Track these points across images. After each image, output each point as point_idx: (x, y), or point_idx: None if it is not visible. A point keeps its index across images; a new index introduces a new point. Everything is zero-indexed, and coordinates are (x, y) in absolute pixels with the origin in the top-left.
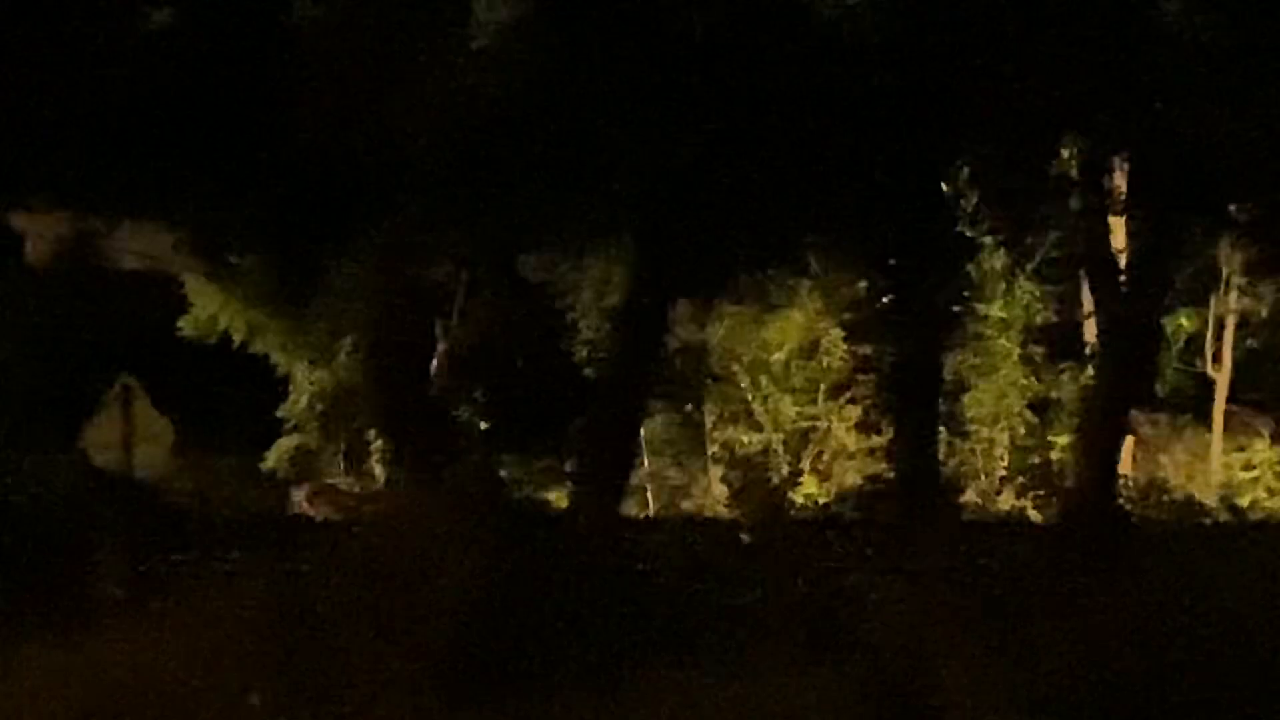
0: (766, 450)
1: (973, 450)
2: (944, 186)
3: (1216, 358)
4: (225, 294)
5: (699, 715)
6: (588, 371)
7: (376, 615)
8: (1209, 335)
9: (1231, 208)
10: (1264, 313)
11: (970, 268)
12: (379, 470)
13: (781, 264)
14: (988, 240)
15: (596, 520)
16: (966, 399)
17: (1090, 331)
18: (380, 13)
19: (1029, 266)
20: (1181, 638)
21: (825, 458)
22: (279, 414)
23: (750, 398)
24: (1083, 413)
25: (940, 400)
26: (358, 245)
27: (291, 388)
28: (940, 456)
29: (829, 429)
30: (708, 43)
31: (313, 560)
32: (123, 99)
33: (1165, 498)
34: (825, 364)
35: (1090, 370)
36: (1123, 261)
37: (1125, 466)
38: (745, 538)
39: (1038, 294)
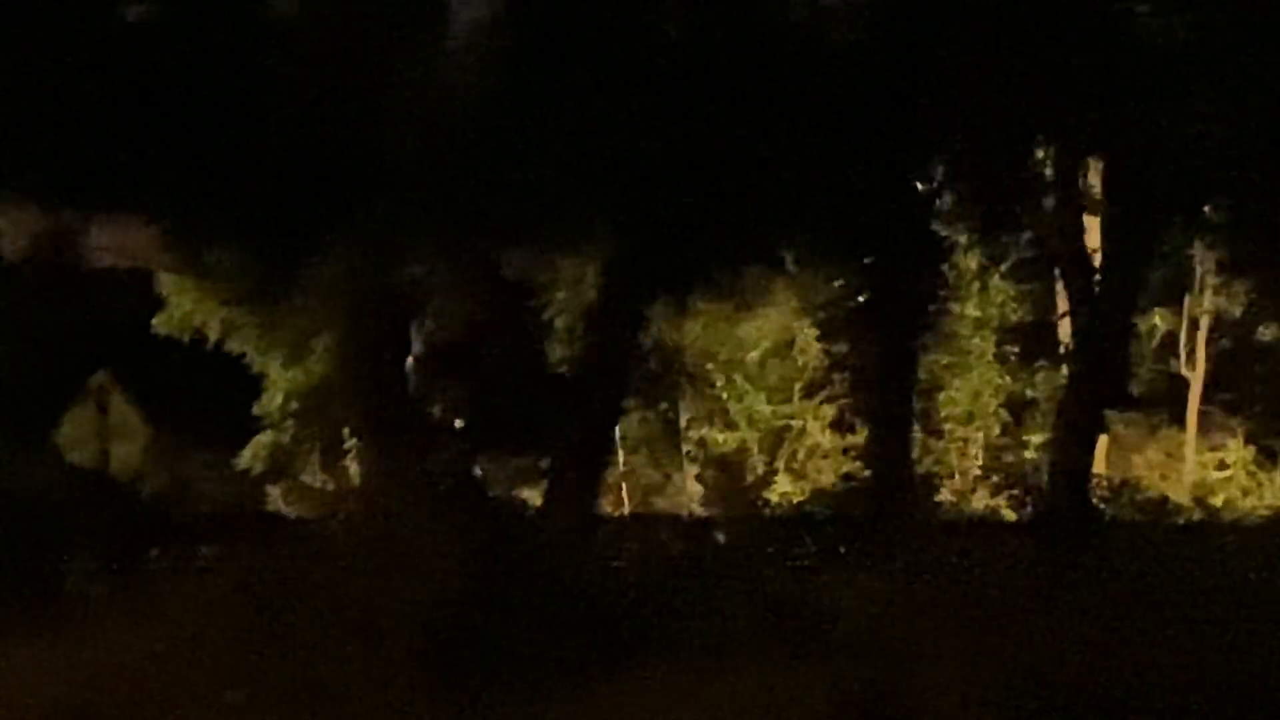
0: (741, 449)
1: (947, 449)
2: (919, 185)
3: (1190, 357)
4: (200, 291)
5: (673, 714)
6: (563, 370)
7: (351, 613)
8: (1183, 335)
9: (1206, 207)
10: (1238, 312)
11: (945, 266)
12: (354, 468)
13: (757, 262)
14: (962, 239)
15: (571, 519)
16: (941, 398)
17: (1065, 331)
18: (357, 9)
19: (1004, 265)
20: (1154, 637)
21: (800, 456)
22: (254, 411)
23: (725, 396)
24: (1057, 412)
25: (915, 399)
26: (333, 242)
27: (266, 385)
28: (915, 455)
29: (804, 428)
30: (684, 41)
31: (287, 558)
32: (98, 94)
33: (1139, 497)
34: (800, 363)
35: (1064, 369)
36: (1097, 261)
37: (1099, 466)
38: (720, 536)
39: (1012, 293)
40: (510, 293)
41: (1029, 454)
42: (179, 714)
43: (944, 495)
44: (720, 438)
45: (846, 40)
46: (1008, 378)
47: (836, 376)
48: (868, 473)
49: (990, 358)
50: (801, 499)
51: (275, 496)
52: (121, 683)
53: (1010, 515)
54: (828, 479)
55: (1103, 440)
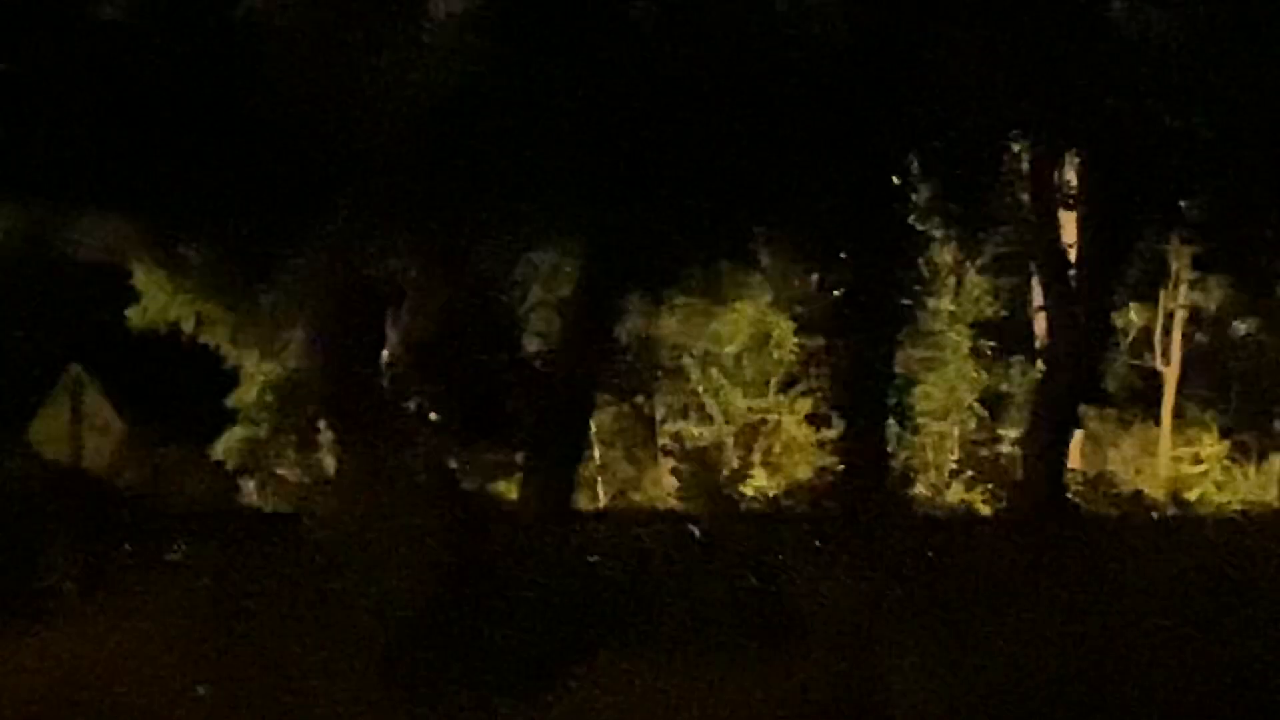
0: (717, 443)
1: (922, 443)
2: (895, 180)
3: (1165, 353)
4: (175, 285)
5: (648, 708)
6: (539, 364)
7: (326, 607)
8: (1158, 330)
9: (1181, 204)
10: (1213, 308)
11: (921, 262)
12: (328, 461)
13: (732, 257)
14: (939, 234)
15: (546, 512)
16: (917, 392)
17: (1040, 326)
18: (334, 5)
19: (980, 261)
20: (1129, 631)
21: (775, 450)
22: (228, 405)
23: (701, 390)
24: (1032, 407)
25: (890, 394)
26: (308, 236)
27: (241, 379)
28: (890, 450)
29: (779, 422)
30: (661, 37)
31: (262, 551)
32: (74, 90)
33: (1113, 491)
34: (776, 357)
35: (1040, 364)
36: (1073, 256)
37: (1074, 460)
38: (695, 530)
39: (988, 288)
40: (485, 286)
41: (1004, 448)
42: (153, 709)
43: (919, 489)
44: (696, 432)
45: (824, 36)
46: (983, 372)
47: (812, 371)
48: (843, 467)
49: (966, 352)
50: (777, 493)
51: (249, 490)
52: (95, 678)
53: (985, 509)
54: (803, 473)
55: (1078, 435)
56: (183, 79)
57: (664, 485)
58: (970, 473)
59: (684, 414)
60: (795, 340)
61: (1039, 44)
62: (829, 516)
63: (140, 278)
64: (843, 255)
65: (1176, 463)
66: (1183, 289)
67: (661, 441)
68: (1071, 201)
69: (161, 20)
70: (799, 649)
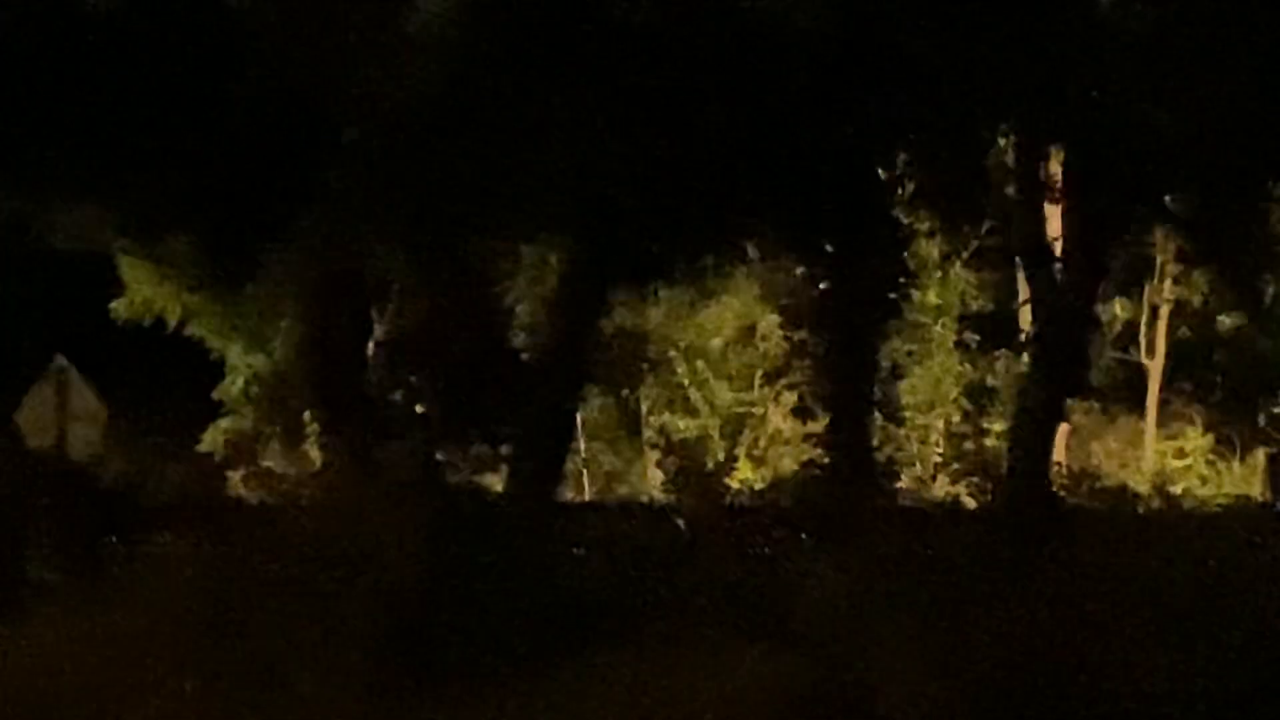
0: (703, 436)
1: (908, 437)
2: (880, 173)
3: (1150, 346)
4: (160, 276)
5: (633, 701)
6: (525, 357)
7: (311, 599)
8: (1143, 324)
9: (1166, 197)
10: (1197, 301)
11: (906, 254)
12: (315, 454)
13: (718, 250)
14: (923, 227)
15: (532, 505)
16: (902, 385)
17: (1025, 319)
18: None
19: (965, 254)
20: (1113, 624)
21: (761, 443)
22: (214, 397)
23: (686, 383)
24: (1017, 400)
25: (876, 386)
26: (295, 229)
27: (227, 371)
28: (876, 443)
29: (765, 415)
30: (645, 30)
31: (248, 544)
32: (58, 79)
33: (1098, 485)
34: (761, 350)
35: (1025, 358)
36: (1058, 249)
37: (1059, 454)
38: (681, 523)
39: (973, 281)
40: (471, 279)
41: (989, 442)
42: (138, 700)
43: (905, 483)
44: (682, 425)
45: (809, 28)
46: (969, 366)
47: (797, 364)
48: (828, 460)
49: (951, 346)
50: (762, 486)
51: (235, 482)
52: (80, 669)
53: (970, 503)
54: (789, 466)
55: (1063, 428)
56: (169, 70)
57: (650, 478)
58: (956, 466)
59: (670, 407)
60: (781, 333)
61: (1024, 37)
62: (815, 510)
63: (125, 269)
64: (828, 248)
65: (1161, 456)
66: (1168, 283)
67: (647, 434)
68: (1057, 195)
69: (148, 11)
70: (784, 642)
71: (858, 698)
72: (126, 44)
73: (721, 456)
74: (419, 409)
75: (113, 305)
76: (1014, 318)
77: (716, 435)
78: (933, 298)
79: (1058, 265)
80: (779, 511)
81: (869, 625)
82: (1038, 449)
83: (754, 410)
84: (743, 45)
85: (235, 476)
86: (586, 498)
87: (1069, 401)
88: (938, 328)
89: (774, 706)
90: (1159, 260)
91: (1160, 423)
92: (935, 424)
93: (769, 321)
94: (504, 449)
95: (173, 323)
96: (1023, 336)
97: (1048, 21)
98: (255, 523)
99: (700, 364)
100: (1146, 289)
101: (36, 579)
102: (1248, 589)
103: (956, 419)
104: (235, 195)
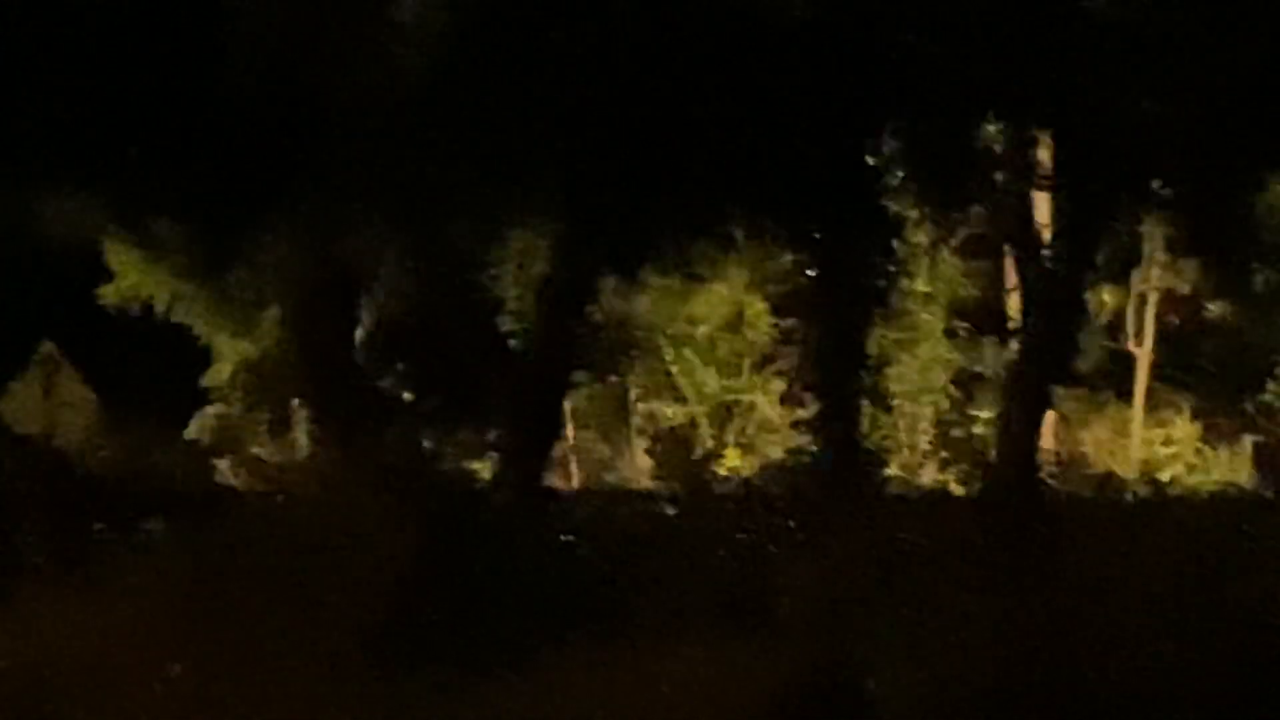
0: (691, 423)
1: (896, 424)
2: (870, 161)
3: (1138, 334)
4: (148, 263)
5: (622, 688)
6: (513, 343)
7: (299, 587)
8: (1131, 311)
9: (1154, 184)
10: (1186, 289)
11: (895, 242)
12: (303, 441)
13: (706, 236)
14: (912, 214)
15: (520, 493)
16: (890, 373)
17: (1014, 306)
18: None
19: (953, 241)
20: (1101, 611)
21: (749, 431)
22: (202, 384)
23: (675, 370)
24: (1005, 388)
25: (864, 374)
26: (282, 216)
27: (215, 358)
28: (864, 430)
29: (753, 402)
30: (635, 15)
31: (235, 531)
32: (46, 65)
33: (1086, 473)
34: (750, 337)
35: (1013, 345)
36: (1046, 237)
37: (1047, 442)
38: (669, 510)
39: (962, 269)
40: (459, 266)
41: (977, 429)
42: (127, 688)
43: (893, 470)
44: (670, 412)
45: (799, 14)
46: (957, 353)
47: (786, 351)
48: (817, 447)
49: (939, 333)
50: (750, 473)
51: (224, 469)
52: (68, 656)
53: (958, 490)
54: (777, 453)
55: (1051, 416)
56: (157, 57)
57: (638, 465)
58: (944, 453)
59: (658, 394)
60: (769, 320)
61: (1013, 24)
62: (802, 497)
63: (113, 256)
64: (817, 236)
65: (1149, 444)
66: (1156, 270)
67: (636, 421)
68: (1045, 182)
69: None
70: (772, 629)
71: (846, 684)
72: (114, 31)
73: (710, 444)
74: (407, 396)
75: (100, 292)
76: (1002, 305)
77: (705, 422)
78: (921, 285)
79: (1046, 253)
80: (767, 498)
81: (857, 612)
82: (1026, 437)
83: (742, 397)
84: (731, 30)
85: (223, 464)
86: (574, 485)
87: (1057, 389)
88: (926, 315)
89: (762, 692)
90: (1147, 248)
91: (1148, 410)
92: (923, 411)
93: (757, 309)
94: (492, 436)
95: (160, 310)
96: (1011, 324)
97: (1037, 8)
98: (243, 510)
99: (688, 351)
100: (1135, 277)
101: (24, 566)
102: (1235, 576)
103: (945, 407)
104: (223, 182)
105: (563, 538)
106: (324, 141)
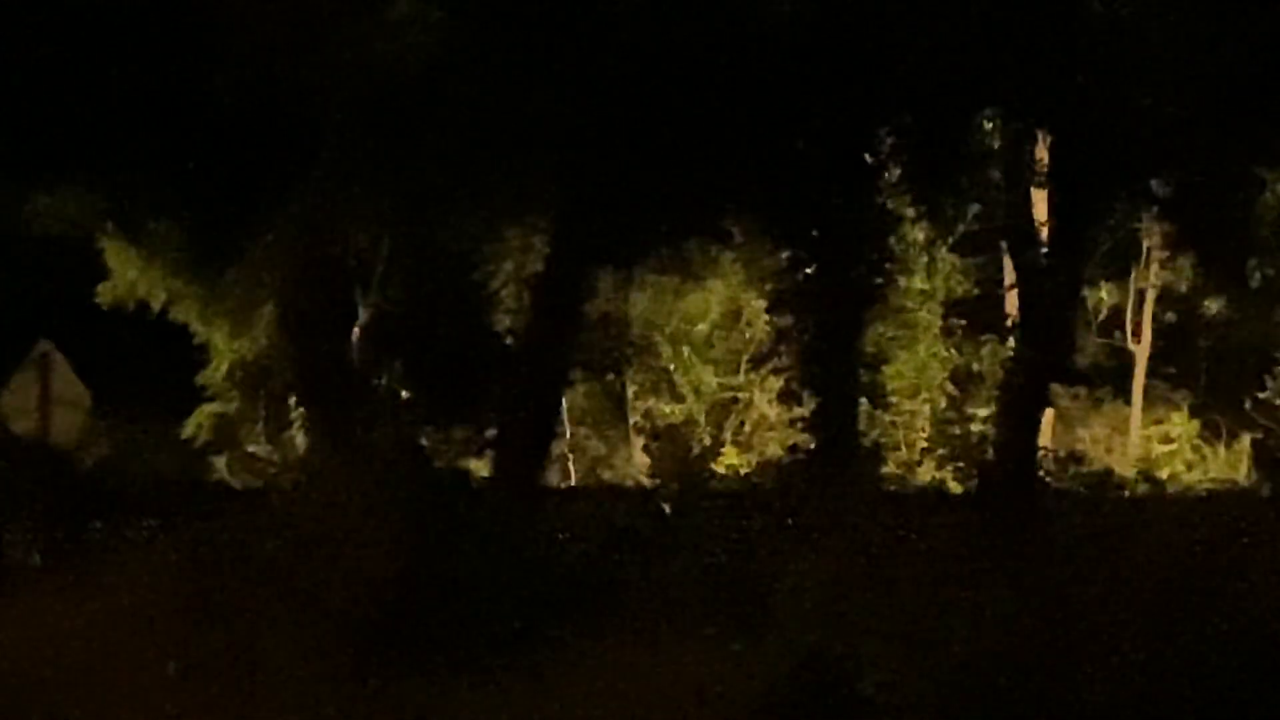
0: (688, 420)
1: (893, 422)
2: (867, 158)
3: (1136, 331)
4: (144, 261)
5: (618, 684)
6: (509, 341)
7: (295, 583)
8: (1129, 309)
9: (1152, 182)
10: (1183, 287)
11: (892, 240)
12: (299, 438)
13: (703, 234)
14: (909, 212)
15: (517, 490)
16: (887, 371)
17: (1011, 304)
18: None
19: (950, 239)
20: (1098, 608)
21: (746, 428)
22: (198, 382)
23: (672, 368)
24: (1003, 385)
25: (861, 372)
26: (278, 213)
27: (211, 355)
28: (861, 428)
29: (750, 400)
30: (631, 13)
31: (232, 528)
32: (41, 66)
33: (1084, 470)
34: (747, 335)
35: (1011, 343)
36: (1044, 234)
37: (1045, 439)
38: (666, 507)
39: (959, 266)
40: (455, 263)
41: (975, 427)
42: (121, 684)
43: (890, 467)
44: (667, 409)
45: (795, 12)
46: (954, 351)
47: (783, 349)
48: (814, 445)
49: (937, 331)
50: (748, 470)
51: (220, 466)
52: (63, 652)
53: (956, 487)
54: (774, 451)
55: (1048, 414)
56: (152, 57)
57: (635, 463)
58: (941, 451)
59: (655, 391)
60: (766, 318)
61: (1009, 21)
62: (800, 494)
63: (110, 254)
64: (814, 233)
65: (1147, 441)
66: (1153, 268)
67: (633, 419)
68: (1042, 179)
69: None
70: (769, 626)
71: (842, 681)
72: (110, 31)
73: (707, 441)
74: (403, 393)
75: (97, 290)
76: (1000, 303)
77: (702, 420)
78: (918, 283)
79: (1043, 250)
80: (764, 496)
81: (854, 609)
82: (1023, 434)
83: (739, 395)
84: (728, 28)
85: (219, 461)
86: (572, 482)
87: (1054, 387)
88: (923, 313)
89: (758, 689)
90: (1145, 245)
91: (1146, 408)
92: (921, 409)
93: (754, 306)
94: (489, 433)
95: (157, 308)
96: (1008, 321)
97: (1033, 6)
98: (239, 507)
99: (685, 349)
100: (1132, 274)
101: (20, 563)
102: (1233, 573)
103: (942, 404)
104: (219, 180)
105: (559, 535)
106: (320, 141)
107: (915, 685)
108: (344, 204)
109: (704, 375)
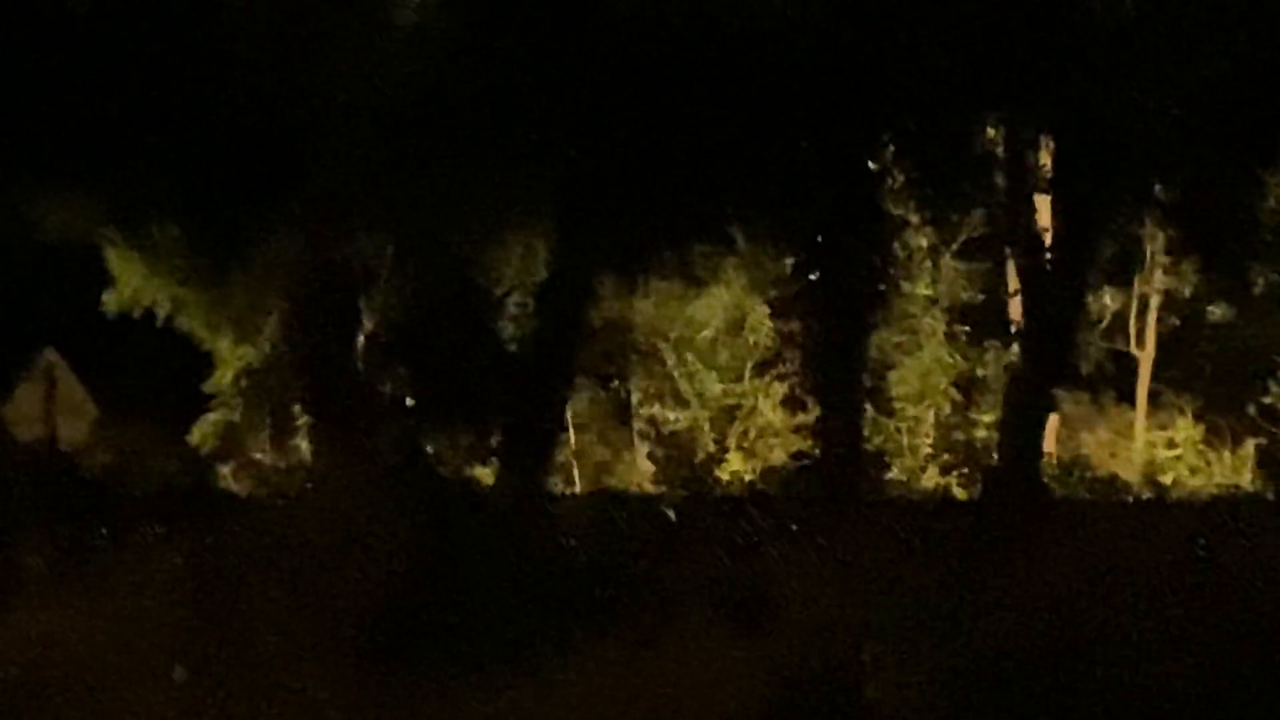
0: (692, 427)
1: (898, 428)
2: (870, 164)
3: (1140, 336)
4: (149, 269)
5: (622, 690)
6: (513, 348)
7: (300, 590)
8: (1132, 314)
9: (1156, 187)
10: (1187, 292)
11: (896, 245)
12: (304, 446)
13: (707, 240)
14: (913, 218)
15: (522, 496)
16: (892, 377)
17: (1015, 310)
18: None
19: (954, 244)
20: (1103, 613)
21: (751, 434)
22: (204, 389)
23: (676, 374)
24: (1007, 391)
25: (865, 378)
26: (283, 221)
27: (216, 363)
28: (865, 434)
29: (755, 406)
30: (634, 20)
31: (236, 535)
32: (45, 71)
33: (1088, 475)
34: (751, 341)
35: (1015, 348)
36: (1048, 240)
37: (1049, 444)
38: (671, 514)
39: (963, 272)
40: (460, 270)
41: (979, 432)
42: (127, 690)
43: (894, 474)
44: (671, 415)
45: (798, 19)
46: (958, 356)
47: (787, 354)
48: (818, 451)
49: (941, 336)
50: (752, 477)
51: (225, 474)
52: (69, 658)
53: (960, 494)
54: (778, 457)
55: (1053, 419)
56: (156, 62)
57: (640, 469)
58: (945, 457)
59: (659, 398)
60: (771, 324)
61: (1013, 26)
62: (804, 500)
63: (114, 262)
64: (818, 239)
65: (1151, 446)
66: (1157, 273)
67: (637, 425)
68: (1046, 185)
69: (135, 4)
70: (774, 632)
71: (847, 686)
72: (114, 37)
73: (711, 448)
74: (408, 400)
75: (102, 298)
76: (1004, 308)
77: (706, 426)
78: (922, 288)
79: (1047, 255)
80: (768, 502)
81: (859, 615)
82: (1028, 440)
83: (744, 401)
84: (731, 34)
85: (225, 469)
86: (576, 489)
87: (1059, 392)
88: (927, 319)
89: (763, 694)
90: (1148, 250)
91: (1150, 413)
92: (925, 415)
93: (759, 312)
94: (493, 440)
95: (162, 315)
96: (1013, 327)
97: (1036, 12)
98: (244, 515)
99: (690, 355)
100: (1136, 279)
101: (25, 569)
102: (1238, 578)
103: (946, 410)
104: (224, 187)
105: (564, 541)
106: (324, 146)
107: (919, 691)
108: (349, 211)
109: (708, 381)
